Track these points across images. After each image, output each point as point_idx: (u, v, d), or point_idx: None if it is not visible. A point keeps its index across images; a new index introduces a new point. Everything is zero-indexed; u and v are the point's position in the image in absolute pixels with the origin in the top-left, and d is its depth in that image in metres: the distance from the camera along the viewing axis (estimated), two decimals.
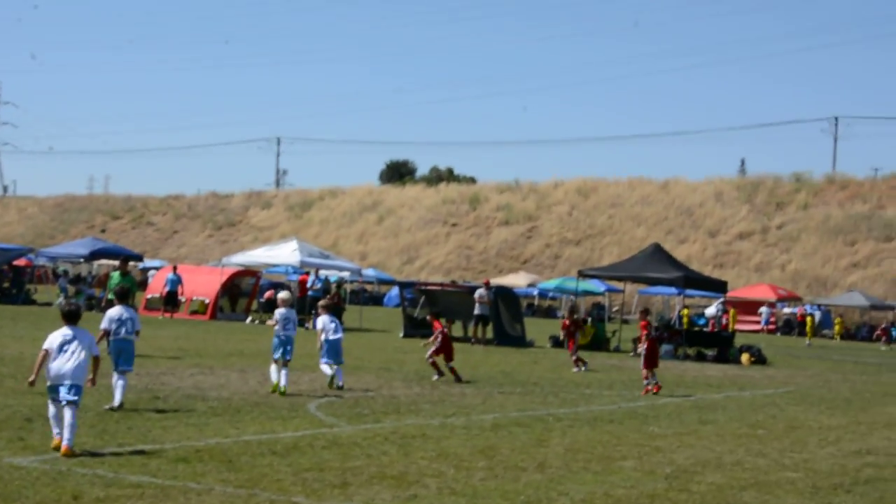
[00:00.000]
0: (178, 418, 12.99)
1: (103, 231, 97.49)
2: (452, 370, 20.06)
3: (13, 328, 27.40)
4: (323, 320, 17.88)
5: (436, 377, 19.91)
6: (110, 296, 22.23)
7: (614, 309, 58.21)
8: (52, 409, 10.55)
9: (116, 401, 13.37)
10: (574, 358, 24.52)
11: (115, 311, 13.97)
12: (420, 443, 12.18)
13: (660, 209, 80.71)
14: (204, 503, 8.44)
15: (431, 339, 20.53)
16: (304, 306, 35.11)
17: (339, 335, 17.78)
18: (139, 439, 11.29)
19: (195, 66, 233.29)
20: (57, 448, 10.24)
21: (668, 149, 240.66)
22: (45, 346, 10.65)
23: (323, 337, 17.59)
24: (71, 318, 10.94)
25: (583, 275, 37.75)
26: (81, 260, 50.59)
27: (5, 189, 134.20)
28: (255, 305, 41.36)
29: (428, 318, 21.47)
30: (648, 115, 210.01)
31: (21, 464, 9.57)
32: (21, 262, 51.52)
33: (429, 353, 20.38)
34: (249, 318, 38.81)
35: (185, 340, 26.30)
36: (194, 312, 38.80)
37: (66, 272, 61.85)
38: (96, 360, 11.02)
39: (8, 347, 21.16)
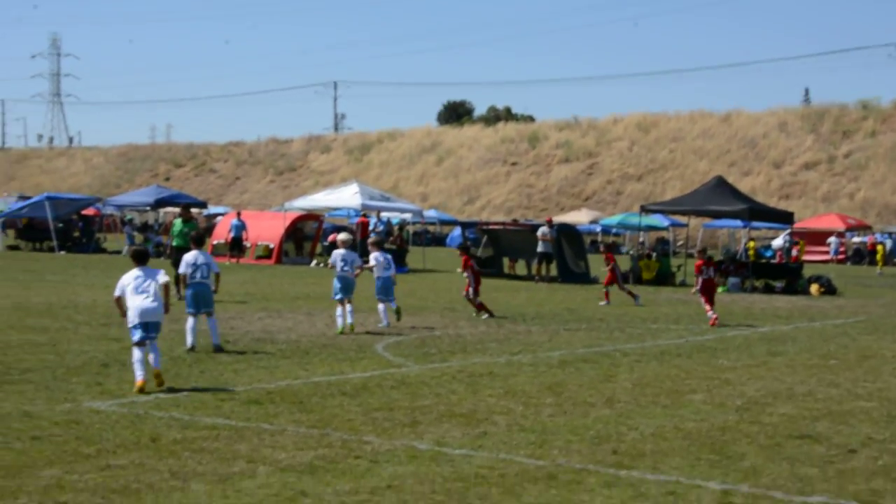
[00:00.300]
0: (248, 361, 13.18)
1: (167, 179, 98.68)
2: (481, 305, 20.29)
3: (85, 276, 27.97)
4: (375, 257, 18.00)
5: (484, 315, 19.95)
6: (175, 242, 22.56)
7: (679, 243, 57.71)
8: (137, 354, 10.91)
9: (215, 342, 13.89)
10: (605, 291, 24.70)
11: (191, 256, 14.19)
12: (487, 381, 12.23)
13: (722, 142, 79.47)
14: (277, 443, 8.56)
15: (466, 277, 20.54)
16: (366, 248, 35.25)
17: (390, 272, 17.85)
18: (212, 382, 11.48)
19: (251, 14, 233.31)
20: (141, 390, 10.61)
21: (729, 81, 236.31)
22: (117, 292, 11.08)
23: (375, 274, 17.75)
24: (139, 258, 11.40)
25: (646, 210, 37.38)
26: (147, 208, 51.32)
27: (71, 140, 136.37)
28: (319, 249, 41.68)
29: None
30: (708, 46, 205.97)
31: (100, 407, 9.79)
32: (89, 211, 52.45)
33: (468, 292, 20.42)
34: (314, 262, 39.11)
35: (251, 285, 26.63)
36: (259, 257, 39.25)
37: (131, 220, 62.81)
38: (166, 288, 11.42)
39: (81, 295, 21.61)
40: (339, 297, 16.75)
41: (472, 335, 16.99)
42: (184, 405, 10.08)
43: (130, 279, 11.12)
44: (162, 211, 58.61)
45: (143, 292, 11.05)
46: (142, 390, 10.61)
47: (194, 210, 47.19)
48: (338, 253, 17.14)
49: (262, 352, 14.12)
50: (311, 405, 10.31)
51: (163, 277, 11.35)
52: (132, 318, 11.00)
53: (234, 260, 37.55)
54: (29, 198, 54.85)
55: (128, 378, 11.35)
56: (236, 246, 38.43)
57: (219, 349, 13.87)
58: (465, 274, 20.52)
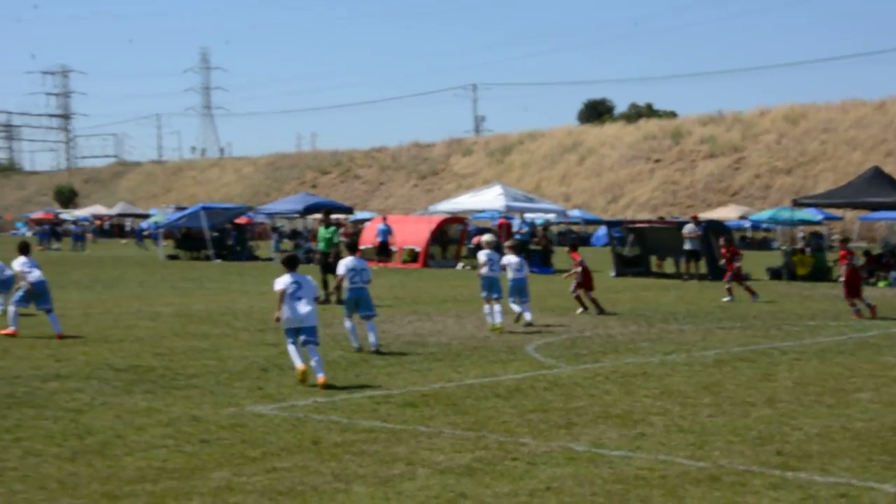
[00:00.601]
0: (401, 364, 13.35)
1: (314, 186, 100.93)
2: (594, 301, 20.21)
3: (241, 283, 28.83)
4: (509, 259, 18.13)
5: (580, 311, 20.11)
6: (319, 247, 23.62)
7: (833, 237, 55.76)
8: (292, 347, 11.68)
9: (373, 344, 14.34)
10: (727, 287, 23.83)
11: (350, 261, 14.59)
12: (642, 381, 12.07)
13: (877, 131, 76.39)
14: (435, 446, 8.63)
15: (571, 272, 20.68)
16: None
17: (523, 274, 18.05)
18: (367, 385, 11.67)
19: (392, 18, 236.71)
20: (302, 376, 11.39)
21: (883, 67, 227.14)
22: (278, 287, 11.69)
23: (510, 275, 17.94)
24: (290, 264, 12.02)
25: (798, 203, 36.21)
26: (296, 215, 52.53)
27: (222, 151, 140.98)
28: (464, 251, 41.89)
29: (567, 250, 21.92)
30: (858, 32, 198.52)
31: (262, 411, 10.06)
32: (242, 220, 54.04)
33: (572, 286, 20.56)
34: (460, 264, 39.36)
35: (399, 289, 26.97)
36: (406, 261, 39.71)
37: (279, 228, 64.46)
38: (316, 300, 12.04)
39: (238, 302, 22.28)
40: (485, 295, 17.19)
41: (623, 335, 16.80)
42: (341, 408, 10.27)
43: (286, 283, 11.63)
44: (310, 217, 59.94)
45: (298, 298, 11.61)
46: (304, 376, 11.38)
47: (341, 216, 48.23)
48: (486, 253, 17.43)
49: (414, 354, 14.28)
50: (466, 407, 10.37)
51: (315, 283, 11.98)
52: (288, 322, 11.57)
53: (381, 264, 38.09)
54: (185, 208, 56.97)
55: (286, 382, 11.67)
56: (383, 250, 38.99)
57: (377, 352, 14.18)
58: (574, 270, 20.59)
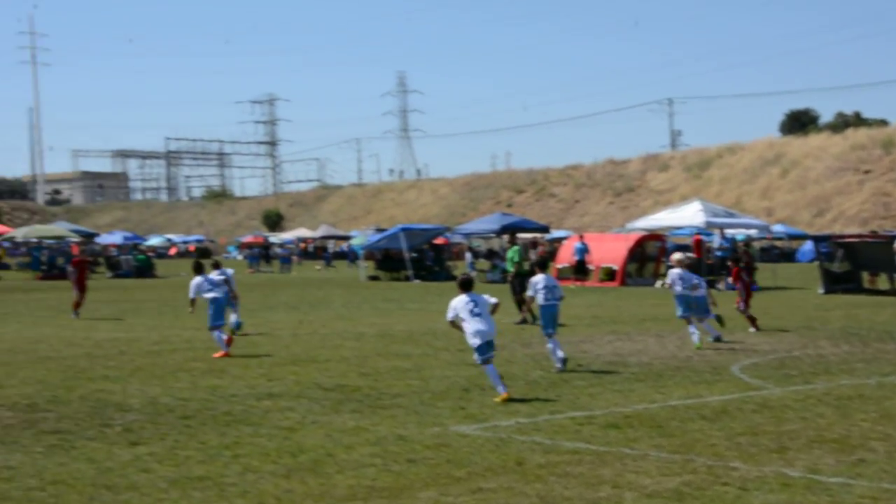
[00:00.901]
0: (602, 385, 13.21)
1: (509, 206, 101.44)
2: (751, 318, 19.96)
3: (440, 304, 29.07)
4: (671, 275, 17.92)
5: (753, 330, 19.68)
6: (509, 267, 24.07)
7: None
8: (490, 370, 12.07)
9: (560, 359, 14.43)
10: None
11: (539, 279, 14.74)
12: (858, 404, 11.50)
13: None
14: (641, 469, 8.48)
15: (738, 289, 20.43)
16: (702, 267, 34.40)
17: (700, 292, 17.57)
18: (569, 406, 11.60)
19: (585, 35, 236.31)
20: (504, 401, 11.67)
21: None
22: (450, 315, 12.22)
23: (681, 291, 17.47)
24: (465, 286, 12.38)
25: None
26: (492, 235, 52.95)
27: (419, 172, 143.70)
28: (662, 269, 41.13)
29: (729, 264, 21.34)
30: None
31: (465, 431, 10.16)
32: (439, 240, 54.93)
33: (740, 305, 20.14)
34: (659, 282, 38.65)
35: (598, 308, 26.74)
36: (602, 280, 39.34)
37: (474, 248, 65.07)
38: (495, 307, 12.33)
39: (438, 322, 22.51)
40: (682, 314, 17.26)
41: (835, 355, 16.07)
42: (544, 429, 10.25)
43: (462, 304, 12.10)
44: (506, 237, 60.33)
45: (477, 315, 12.04)
46: (505, 400, 11.64)
47: (538, 234, 48.28)
48: (675, 272, 17.40)
49: (615, 374, 14.11)
50: (671, 429, 10.15)
51: (492, 299, 12.30)
52: (473, 340, 12.02)
53: (578, 283, 37.89)
54: (385, 230, 58.37)
55: (488, 403, 11.75)
56: (580, 269, 38.77)
57: (562, 367, 14.31)
58: (737, 286, 20.54)
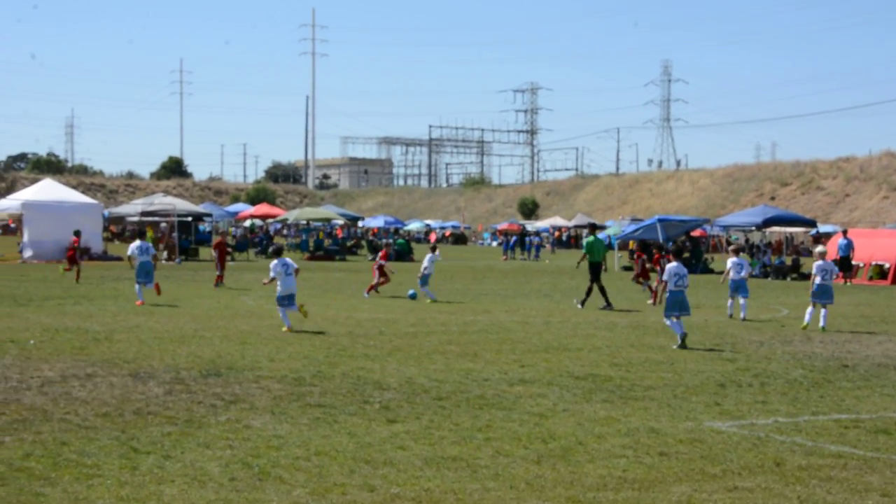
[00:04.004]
0: (870, 387, 12.50)
1: (772, 199, 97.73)
2: None
3: (695, 297, 28.56)
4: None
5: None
6: (597, 257, 24.37)
7: None
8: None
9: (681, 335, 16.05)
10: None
11: (673, 267, 16.60)
12: None
13: None
14: None
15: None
16: None
17: (741, 275, 20.66)
18: (832, 408, 11.05)
19: (859, 22, 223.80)
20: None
21: None
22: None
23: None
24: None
25: None
26: (753, 228, 51.21)
27: (678, 163, 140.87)
28: None
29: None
30: None
31: (720, 427, 9.87)
32: (697, 232, 53.66)
33: None
34: None
35: (866, 307, 25.33)
36: (872, 278, 37.22)
37: (733, 241, 63.04)
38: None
39: (695, 315, 22.07)
40: None
41: None
42: (805, 430, 9.81)
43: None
44: (768, 231, 58.16)
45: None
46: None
47: (802, 229, 46.18)
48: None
49: (884, 377, 13.31)
50: None
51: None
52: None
53: (842, 280, 36.00)
54: (641, 220, 57.62)
55: (744, 399, 11.42)
56: (845, 265, 36.84)
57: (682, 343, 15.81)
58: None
